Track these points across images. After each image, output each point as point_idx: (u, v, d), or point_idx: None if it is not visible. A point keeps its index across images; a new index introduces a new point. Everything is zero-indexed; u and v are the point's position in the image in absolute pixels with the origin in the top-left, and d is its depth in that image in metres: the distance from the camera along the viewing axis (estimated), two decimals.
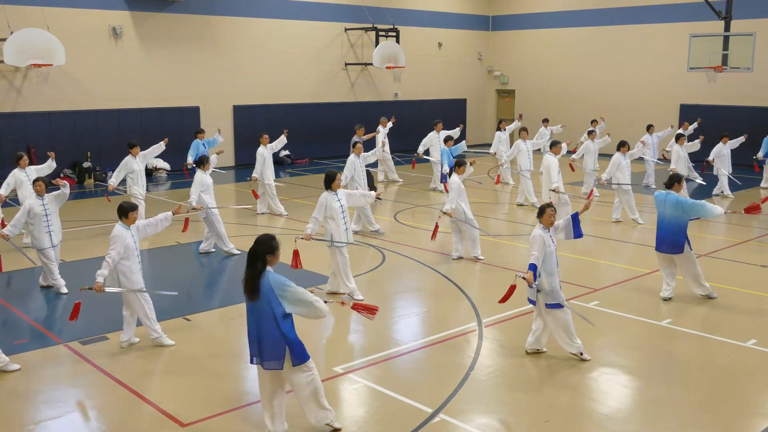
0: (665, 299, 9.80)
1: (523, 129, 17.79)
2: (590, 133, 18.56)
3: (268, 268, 5.91)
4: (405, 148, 24.34)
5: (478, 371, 7.51)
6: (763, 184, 19.47)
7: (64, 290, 10.10)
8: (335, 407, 6.82)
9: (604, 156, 19.71)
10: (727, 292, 10.27)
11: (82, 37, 19.80)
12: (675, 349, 8.33)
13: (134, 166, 13.76)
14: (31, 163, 13.58)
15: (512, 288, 7.56)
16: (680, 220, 9.49)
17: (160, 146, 14.76)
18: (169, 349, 8.19)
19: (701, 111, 24.05)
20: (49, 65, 17.96)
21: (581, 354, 7.77)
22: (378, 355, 7.95)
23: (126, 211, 8.02)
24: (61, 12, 19.43)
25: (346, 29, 25.69)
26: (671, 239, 9.51)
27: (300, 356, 5.93)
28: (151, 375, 7.59)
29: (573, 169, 17.02)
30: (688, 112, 24.61)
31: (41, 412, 6.72)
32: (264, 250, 5.87)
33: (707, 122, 21.64)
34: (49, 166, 13.08)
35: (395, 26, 26.04)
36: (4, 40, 17.72)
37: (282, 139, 16.25)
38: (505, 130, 20.16)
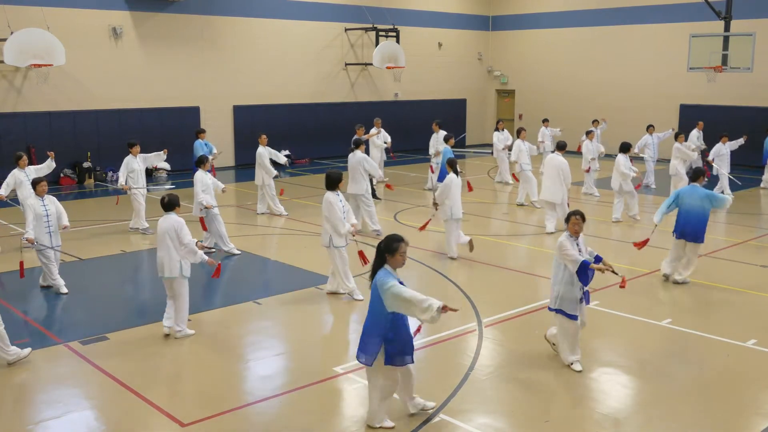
0: (676, 281, 10.45)
1: (522, 129, 17.72)
2: (588, 133, 18.56)
3: (386, 266, 6.03)
4: (405, 147, 24.33)
5: (478, 371, 7.51)
6: (763, 185, 19.47)
7: (64, 290, 10.10)
8: (335, 407, 6.84)
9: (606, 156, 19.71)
10: (727, 292, 10.28)
11: (82, 37, 19.80)
12: (675, 349, 8.33)
13: (134, 165, 13.78)
14: (30, 163, 13.58)
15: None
16: (705, 211, 10.31)
17: (160, 156, 14.55)
18: (170, 349, 8.19)
19: (701, 111, 24.05)
20: (49, 65, 17.96)
21: (571, 364, 7.57)
22: None
23: (177, 204, 8.50)
24: (61, 12, 19.43)
25: (346, 29, 25.69)
26: (694, 229, 10.31)
27: (389, 359, 6.05)
28: (151, 375, 7.58)
29: (588, 171, 17.79)
30: (688, 112, 24.62)
31: (41, 412, 6.72)
32: (383, 248, 6.04)
33: (707, 122, 21.62)
34: (48, 166, 13.08)
35: (395, 26, 26.05)
36: (4, 40, 17.72)
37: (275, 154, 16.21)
38: (503, 130, 20.14)
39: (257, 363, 7.86)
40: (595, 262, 7.49)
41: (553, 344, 7.91)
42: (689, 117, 24.54)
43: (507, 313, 9.24)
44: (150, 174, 20.89)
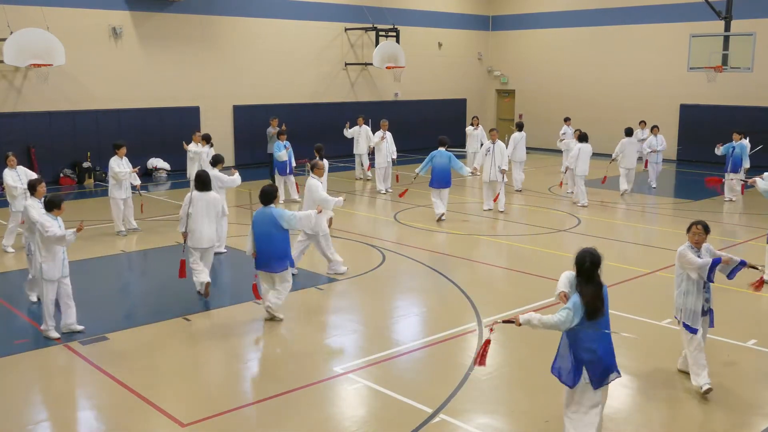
0: None
1: (493, 129, 16.51)
2: (576, 131, 18.69)
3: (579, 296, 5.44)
4: (405, 147, 24.33)
5: (478, 371, 7.50)
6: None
7: (33, 299, 9.68)
8: (336, 407, 6.83)
9: (599, 155, 19.70)
10: (727, 292, 10.27)
11: (82, 37, 19.79)
12: (675, 349, 8.32)
13: (116, 167, 13.49)
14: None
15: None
16: None
17: None
18: (169, 349, 8.19)
19: (701, 111, 24.05)
20: (49, 65, 17.95)
21: (702, 388, 6.95)
22: (378, 355, 7.95)
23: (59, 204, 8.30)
24: (61, 12, 19.42)
25: (346, 29, 25.69)
26: None
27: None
28: (151, 375, 7.58)
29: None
30: (688, 112, 24.61)
31: (41, 412, 6.72)
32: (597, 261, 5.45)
33: (707, 122, 21.59)
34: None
35: (395, 26, 26.04)
36: (4, 40, 17.71)
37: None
38: (477, 126, 20.67)
39: (257, 363, 7.86)
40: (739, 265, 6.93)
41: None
42: (689, 117, 24.55)
43: (507, 313, 9.23)
44: (150, 174, 20.93)
